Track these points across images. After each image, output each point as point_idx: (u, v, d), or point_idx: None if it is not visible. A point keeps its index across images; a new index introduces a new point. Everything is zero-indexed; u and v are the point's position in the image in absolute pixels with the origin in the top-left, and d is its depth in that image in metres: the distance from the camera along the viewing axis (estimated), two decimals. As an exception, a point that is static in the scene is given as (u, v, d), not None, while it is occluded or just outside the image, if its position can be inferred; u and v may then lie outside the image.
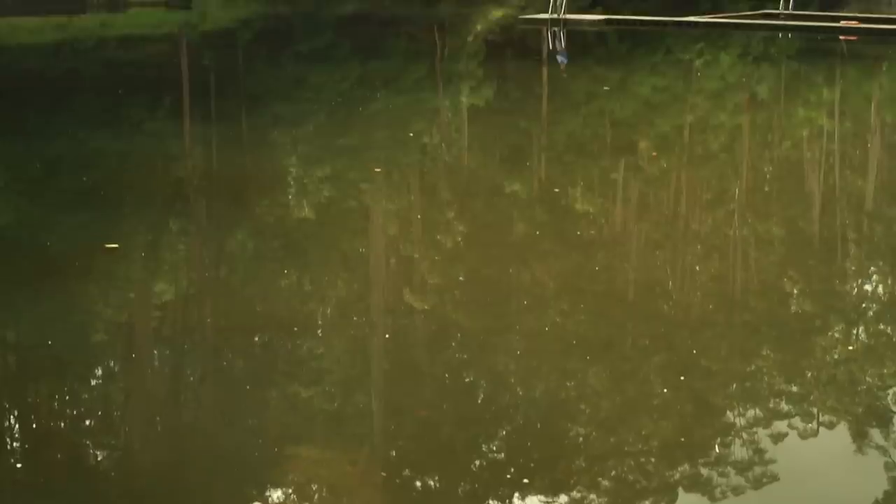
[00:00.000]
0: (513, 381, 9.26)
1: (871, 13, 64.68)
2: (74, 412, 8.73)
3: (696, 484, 7.60)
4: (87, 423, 8.58)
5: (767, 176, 18.45)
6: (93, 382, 9.19)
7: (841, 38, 48.92)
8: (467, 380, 9.25)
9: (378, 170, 17.46)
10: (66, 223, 13.45)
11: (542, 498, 7.21)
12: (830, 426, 8.42)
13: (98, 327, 10.35)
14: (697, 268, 12.64)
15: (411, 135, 21.35)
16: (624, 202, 16.16)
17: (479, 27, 58.32)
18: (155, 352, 9.86)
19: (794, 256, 13.23)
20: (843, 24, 52.49)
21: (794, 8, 62.75)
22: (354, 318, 10.66)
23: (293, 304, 10.88)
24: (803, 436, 8.24)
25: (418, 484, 7.56)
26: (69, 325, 10.18)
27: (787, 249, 13.51)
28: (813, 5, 71.32)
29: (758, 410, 8.59)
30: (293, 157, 19.10)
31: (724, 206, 15.91)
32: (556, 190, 16.65)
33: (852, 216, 15.53)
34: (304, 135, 21.38)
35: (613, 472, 7.74)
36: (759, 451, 7.96)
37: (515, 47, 45.48)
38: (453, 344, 10.11)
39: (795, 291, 11.81)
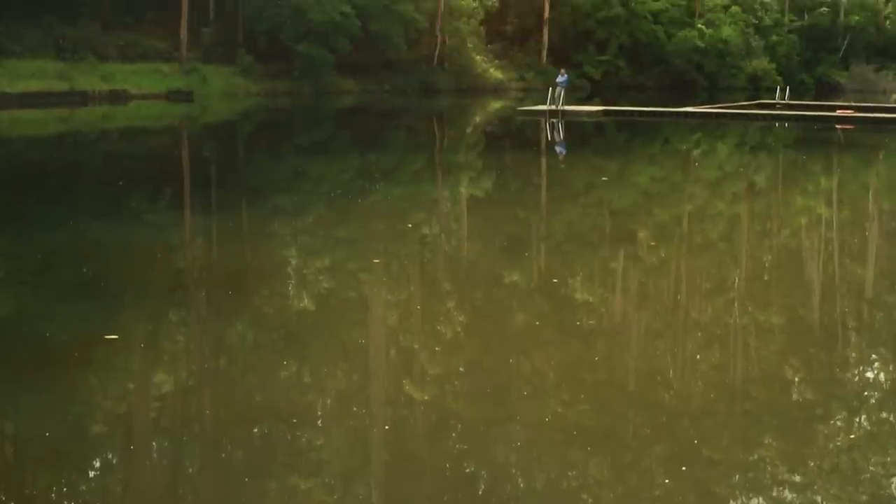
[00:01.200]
0: (514, 471, 9.19)
1: (867, 102, 65.26)
2: (72, 505, 8.65)
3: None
4: (85, 516, 8.51)
5: (767, 264, 18.48)
6: (91, 474, 9.12)
7: (838, 127, 49.38)
8: (468, 470, 9.18)
9: (377, 261, 17.50)
10: (65, 314, 13.45)
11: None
12: (835, 516, 8.35)
13: (97, 418, 10.29)
14: (698, 356, 12.61)
15: (410, 226, 21.42)
16: (623, 291, 16.17)
17: (477, 118, 58.86)
18: (153, 443, 9.79)
19: (795, 344, 13.20)
20: (839, 113, 53.00)
21: (790, 98, 63.38)
22: (354, 409, 10.60)
23: (292, 396, 10.83)
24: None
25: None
26: (68, 416, 10.13)
27: (787, 337, 13.48)
28: (809, 95, 71.83)
29: (761, 500, 8.52)
30: (293, 247, 19.15)
31: (724, 294, 15.91)
32: (556, 280, 16.67)
33: (852, 304, 15.53)
34: (303, 226, 21.47)
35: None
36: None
37: (514, 138, 45.85)
38: (454, 434, 10.05)
39: (797, 379, 11.76)
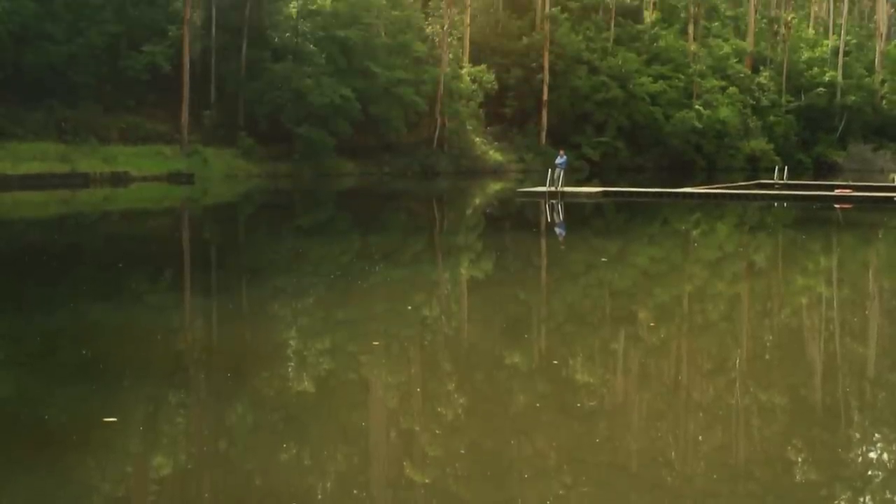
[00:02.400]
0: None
1: (865, 181, 65.58)
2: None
3: None
4: None
5: (768, 344, 18.42)
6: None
7: (836, 206, 49.57)
8: (469, 554, 9.09)
9: (377, 343, 17.46)
10: (64, 396, 13.39)
11: None
12: None
13: (95, 501, 10.20)
14: (700, 437, 12.53)
15: (410, 308, 21.40)
16: (624, 372, 16.12)
17: (477, 200, 59.08)
18: (151, 527, 9.70)
19: (798, 425, 13.13)
20: (837, 192, 53.27)
21: (789, 178, 63.71)
22: (355, 492, 10.51)
23: (293, 478, 10.75)
24: None
25: None
26: (66, 498, 10.05)
27: (790, 418, 13.41)
28: (807, 175, 72.19)
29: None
30: (293, 329, 19.12)
31: (725, 374, 15.85)
32: (556, 361, 16.62)
33: (854, 383, 15.47)
34: (303, 307, 21.45)
35: None
36: None
37: (514, 219, 45.96)
38: (455, 517, 9.96)
39: (800, 460, 11.68)
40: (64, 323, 18.61)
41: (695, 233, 39.99)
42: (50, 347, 16.80)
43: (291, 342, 17.85)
